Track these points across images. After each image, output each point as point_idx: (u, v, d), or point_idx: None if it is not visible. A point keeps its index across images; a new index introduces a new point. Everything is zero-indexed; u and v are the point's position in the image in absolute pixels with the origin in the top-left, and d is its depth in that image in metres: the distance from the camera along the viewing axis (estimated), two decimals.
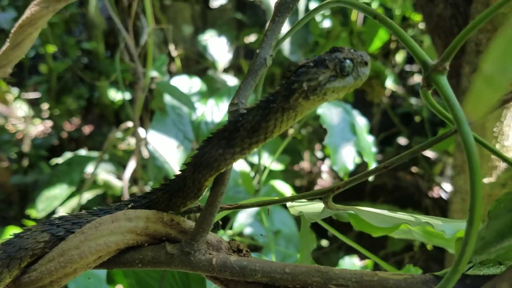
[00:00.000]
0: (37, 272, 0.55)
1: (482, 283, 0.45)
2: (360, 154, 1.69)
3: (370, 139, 1.75)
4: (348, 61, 0.47)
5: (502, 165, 1.71)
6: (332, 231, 0.88)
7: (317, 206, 0.66)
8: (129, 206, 0.59)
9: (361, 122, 1.76)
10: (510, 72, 0.19)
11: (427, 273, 0.48)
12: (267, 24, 0.52)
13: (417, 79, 4.32)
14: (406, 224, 0.55)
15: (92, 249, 0.53)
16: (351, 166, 1.63)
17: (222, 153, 0.51)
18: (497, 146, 1.66)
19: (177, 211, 0.57)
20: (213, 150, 0.51)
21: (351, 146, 1.62)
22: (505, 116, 1.61)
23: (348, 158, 1.62)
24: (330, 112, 1.64)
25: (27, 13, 0.80)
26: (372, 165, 1.69)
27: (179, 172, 0.57)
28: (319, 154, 3.67)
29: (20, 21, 0.81)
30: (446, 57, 0.41)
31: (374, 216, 0.57)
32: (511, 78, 0.19)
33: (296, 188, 3.48)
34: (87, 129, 3.98)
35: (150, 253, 0.54)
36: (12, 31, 0.81)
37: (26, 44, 0.85)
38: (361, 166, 2.35)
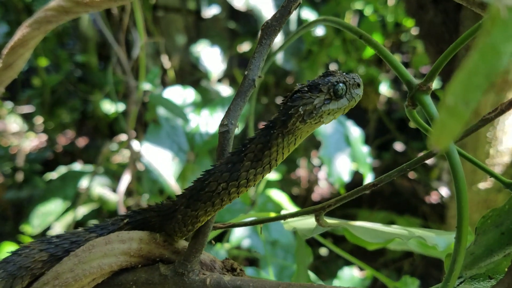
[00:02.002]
0: None
1: None
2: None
3: (365, 149, 1.76)
4: (341, 84, 0.49)
5: (497, 170, 1.72)
6: (328, 245, 0.88)
7: (311, 221, 0.67)
8: (125, 221, 0.59)
9: (355, 132, 1.76)
10: (472, 105, 0.20)
11: (415, 283, 0.48)
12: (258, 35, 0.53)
13: None
14: (399, 238, 0.56)
15: (86, 272, 0.53)
16: (346, 178, 1.64)
17: (226, 187, 0.50)
18: (491, 151, 1.67)
19: (170, 236, 0.57)
20: (214, 184, 0.50)
21: (346, 157, 1.63)
22: (498, 122, 1.63)
23: (343, 169, 1.62)
24: (324, 124, 1.64)
25: (19, 34, 0.80)
26: (368, 175, 1.69)
27: (172, 201, 0.56)
28: (315, 162, 3.67)
29: (11, 43, 0.81)
30: (429, 77, 0.41)
31: (367, 231, 0.57)
32: (473, 110, 0.20)
33: (293, 197, 3.48)
34: (81, 142, 3.97)
35: (144, 275, 0.54)
36: (4, 52, 0.81)
37: (18, 64, 0.86)
38: (358, 175, 2.35)
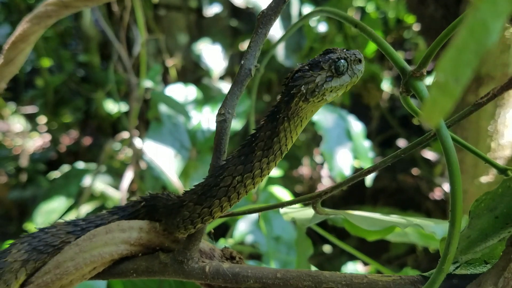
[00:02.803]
0: (34, 285, 0.55)
1: (468, 282, 0.45)
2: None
3: (366, 144, 1.76)
4: (342, 60, 0.48)
5: (500, 163, 1.72)
6: (330, 238, 0.89)
7: (310, 212, 0.67)
8: (142, 204, 0.59)
9: (357, 127, 1.77)
10: (463, 81, 0.20)
11: (416, 274, 0.48)
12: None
13: None
14: (396, 226, 0.56)
15: (87, 261, 0.54)
16: (348, 172, 1.64)
17: (241, 180, 0.50)
18: (493, 145, 1.67)
19: (171, 232, 0.55)
20: (229, 178, 0.50)
21: (347, 152, 1.63)
22: (499, 115, 1.63)
23: (344, 163, 1.63)
24: (325, 119, 1.65)
25: (19, 29, 0.81)
26: None
27: (178, 196, 0.55)
28: (318, 159, 3.67)
29: (12, 38, 0.82)
30: (423, 64, 0.42)
31: (364, 219, 0.58)
32: (464, 86, 0.20)
33: (296, 194, 3.48)
34: (85, 142, 3.99)
35: (144, 263, 0.55)
36: (5, 47, 0.82)
37: (19, 59, 0.86)
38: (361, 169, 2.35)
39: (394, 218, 0.60)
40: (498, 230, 0.44)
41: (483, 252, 0.47)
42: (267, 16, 0.49)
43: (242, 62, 0.50)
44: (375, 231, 0.82)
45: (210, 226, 0.66)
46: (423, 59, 0.42)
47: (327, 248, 3.20)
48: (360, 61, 0.50)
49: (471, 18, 0.21)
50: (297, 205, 0.70)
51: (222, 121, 0.52)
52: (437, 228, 0.61)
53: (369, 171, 0.47)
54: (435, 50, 0.42)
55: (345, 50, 0.49)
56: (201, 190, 0.51)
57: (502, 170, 0.46)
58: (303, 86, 0.48)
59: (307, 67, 0.49)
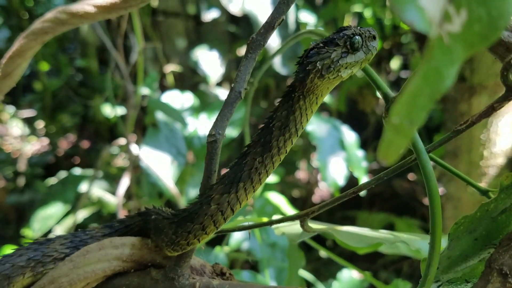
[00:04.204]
0: None
1: None
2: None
3: (360, 153, 1.77)
4: (357, 37, 0.49)
5: (491, 172, 1.73)
6: (320, 249, 0.90)
7: (299, 226, 0.69)
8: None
9: (351, 137, 1.78)
10: (418, 122, 0.22)
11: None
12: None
13: None
14: (382, 243, 0.58)
15: (80, 276, 0.56)
16: (341, 182, 1.66)
17: (262, 160, 0.51)
18: (485, 153, 1.69)
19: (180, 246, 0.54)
20: (251, 162, 0.51)
21: (341, 162, 1.64)
22: (491, 124, 1.64)
23: (338, 173, 1.64)
24: (319, 129, 1.66)
25: (16, 45, 0.83)
26: (363, 179, 1.71)
27: (191, 204, 0.54)
28: (315, 164, 3.69)
29: (10, 53, 0.83)
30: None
31: (351, 236, 0.59)
32: (419, 126, 0.22)
33: (293, 199, 3.49)
34: (82, 146, 4.00)
35: (136, 279, 0.56)
36: (2, 62, 0.84)
37: (16, 73, 0.88)
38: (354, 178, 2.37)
39: (382, 233, 0.62)
40: (477, 251, 0.46)
41: (464, 272, 0.48)
42: (256, 42, 0.51)
43: (233, 85, 0.52)
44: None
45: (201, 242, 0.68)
46: (404, 86, 0.44)
47: (323, 253, 3.21)
48: (374, 37, 0.50)
49: (425, 66, 0.23)
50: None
51: (213, 141, 0.53)
52: (423, 244, 0.63)
53: (354, 192, 0.49)
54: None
55: (358, 27, 0.50)
56: (224, 180, 0.52)
57: (483, 192, 0.48)
58: (319, 62, 0.48)
59: (322, 44, 0.49)
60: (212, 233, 0.52)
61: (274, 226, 0.71)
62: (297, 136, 0.52)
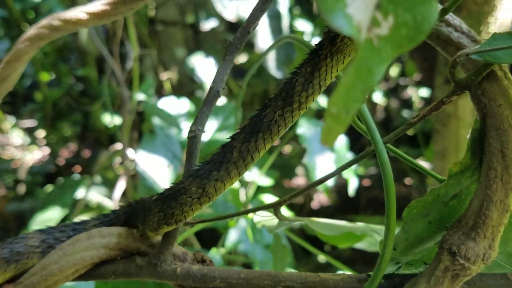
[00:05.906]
0: (23, 285, 0.61)
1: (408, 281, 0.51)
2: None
3: (349, 156, 1.81)
4: None
5: None
6: (318, 253, 0.93)
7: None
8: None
9: (340, 140, 1.82)
10: (352, 113, 0.25)
11: (362, 273, 0.54)
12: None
13: (410, 92, 4.41)
14: (352, 231, 0.62)
15: (70, 263, 0.60)
16: (330, 183, 1.69)
17: (282, 114, 0.51)
18: None
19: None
20: (270, 114, 0.51)
21: (330, 164, 1.68)
22: None
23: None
24: (309, 131, 1.71)
25: (13, 50, 0.87)
26: (351, 181, 1.75)
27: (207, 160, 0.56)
28: None
29: (7, 57, 0.88)
30: None
31: (324, 226, 0.63)
32: (353, 116, 0.26)
33: (292, 205, 3.53)
34: (83, 155, 4.05)
35: (122, 266, 0.61)
36: (0, 66, 0.88)
37: (13, 77, 0.92)
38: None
39: (351, 224, 0.66)
40: (432, 234, 0.50)
41: (422, 254, 0.52)
42: (234, 45, 0.56)
43: (211, 85, 0.56)
44: (344, 239, 0.87)
45: (188, 232, 0.72)
46: None
47: (322, 258, 3.24)
48: None
49: (358, 64, 0.27)
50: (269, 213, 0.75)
51: (193, 137, 0.58)
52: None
53: (321, 181, 0.53)
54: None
55: None
56: (245, 130, 0.53)
57: (441, 181, 0.52)
58: None
59: None
60: (205, 204, 0.55)
61: (256, 219, 0.76)
62: (319, 93, 0.51)
